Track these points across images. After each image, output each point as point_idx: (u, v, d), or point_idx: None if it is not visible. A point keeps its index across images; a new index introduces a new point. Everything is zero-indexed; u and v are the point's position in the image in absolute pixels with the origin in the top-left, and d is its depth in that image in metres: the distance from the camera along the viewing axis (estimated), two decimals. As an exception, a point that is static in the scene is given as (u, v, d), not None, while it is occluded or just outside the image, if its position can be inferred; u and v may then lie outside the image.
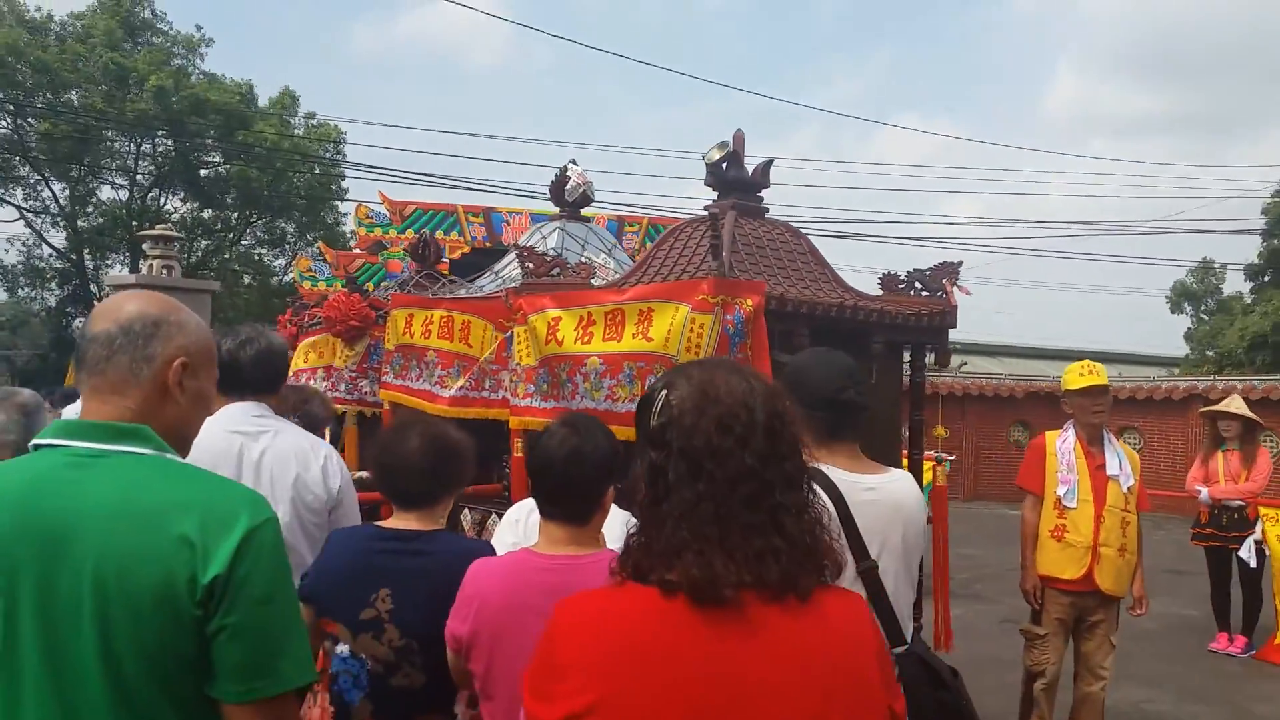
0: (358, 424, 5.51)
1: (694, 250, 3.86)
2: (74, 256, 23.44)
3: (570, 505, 2.00)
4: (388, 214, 7.45)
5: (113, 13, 21.99)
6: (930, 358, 3.89)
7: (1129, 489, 4.30)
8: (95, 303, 14.54)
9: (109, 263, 23.94)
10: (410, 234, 6.96)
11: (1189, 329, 28.48)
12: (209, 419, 1.78)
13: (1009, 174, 76.13)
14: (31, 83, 20.65)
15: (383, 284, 6.77)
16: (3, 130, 21.63)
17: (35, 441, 1.43)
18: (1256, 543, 6.67)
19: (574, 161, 5.61)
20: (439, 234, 6.80)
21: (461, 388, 4.49)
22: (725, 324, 3.18)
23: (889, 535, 2.03)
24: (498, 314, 4.32)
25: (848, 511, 1.97)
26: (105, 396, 1.44)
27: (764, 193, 4.14)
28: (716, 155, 3.87)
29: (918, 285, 3.87)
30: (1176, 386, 15.72)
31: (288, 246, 25.46)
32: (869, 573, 1.99)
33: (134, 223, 21.84)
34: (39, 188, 22.94)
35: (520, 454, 3.90)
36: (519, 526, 2.45)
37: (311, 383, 5.46)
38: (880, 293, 3.99)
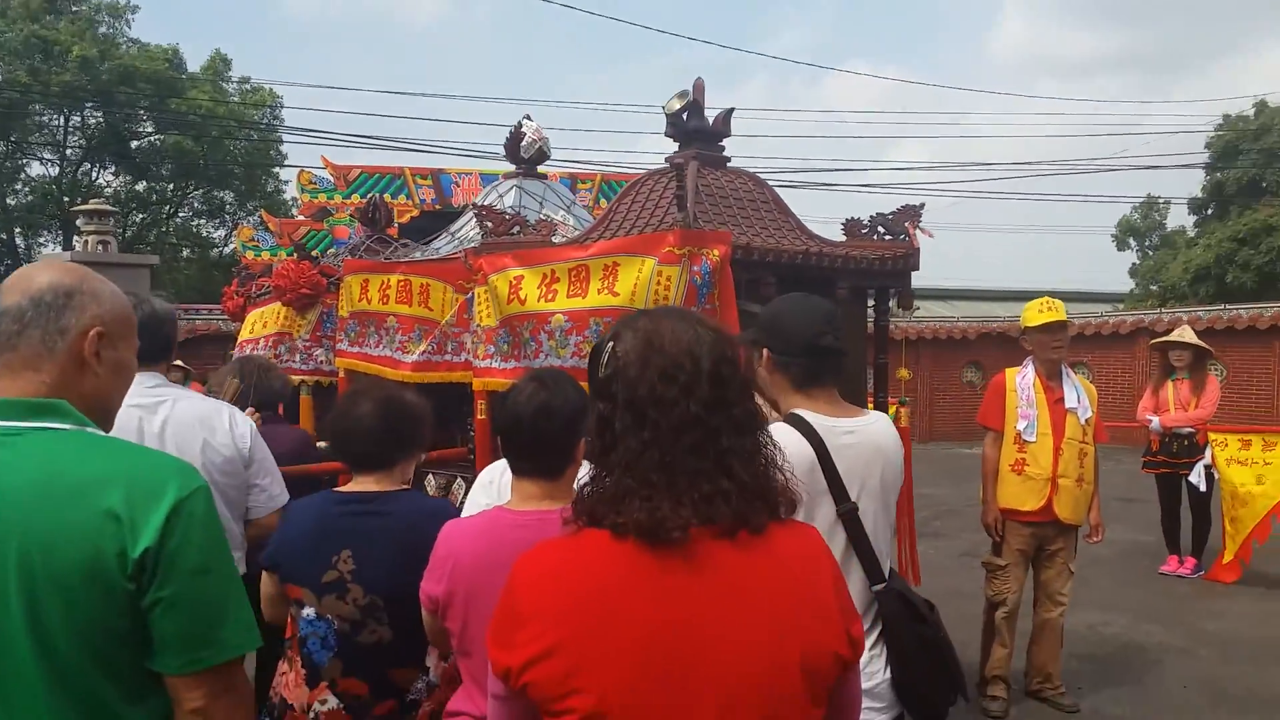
0: (312, 394, 5.40)
1: (656, 202, 3.80)
2: (4, 235, 22.69)
3: (542, 460, 1.98)
4: (331, 179, 7.23)
5: (29, -17, 21.12)
6: (894, 301, 3.91)
7: (1086, 421, 4.41)
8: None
9: (41, 241, 23.31)
10: (356, 199, 6.77)
11: (1134, 264, 29.15)
12: None
13: (958, 117, 76.41)
14: (-51, 58, 19.84)
15: (330, 250, 6.60)
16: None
17: None
18: (1206, 467, 6.89)
19: (529, 117, 5.51)
20: (386, 197, 6.63)
21: (424, 352, 4.41)
22: (692, 275, 3.15)
23: (868, 477, 2.05)
24: (457, 275, 4.24)
25: (828, 456, 1.98)
26: (18, 372, 1.38)
27: (722, 143, 4.09)
28: (677, 105, 3.79)
29: (880, 229, 3.86)
30: (1124, 321, 16.11)
31: (227, 217, 24.88)
32: (849, 514, 2.01)
33: (66, 199, 21.22)
34: (-37, 166, 22.15)
35: (483, 416, 3.85)
36: (492, 488, 2.42)
37: (261, 354, 5.32)
38: (843, 238, 3.98)
